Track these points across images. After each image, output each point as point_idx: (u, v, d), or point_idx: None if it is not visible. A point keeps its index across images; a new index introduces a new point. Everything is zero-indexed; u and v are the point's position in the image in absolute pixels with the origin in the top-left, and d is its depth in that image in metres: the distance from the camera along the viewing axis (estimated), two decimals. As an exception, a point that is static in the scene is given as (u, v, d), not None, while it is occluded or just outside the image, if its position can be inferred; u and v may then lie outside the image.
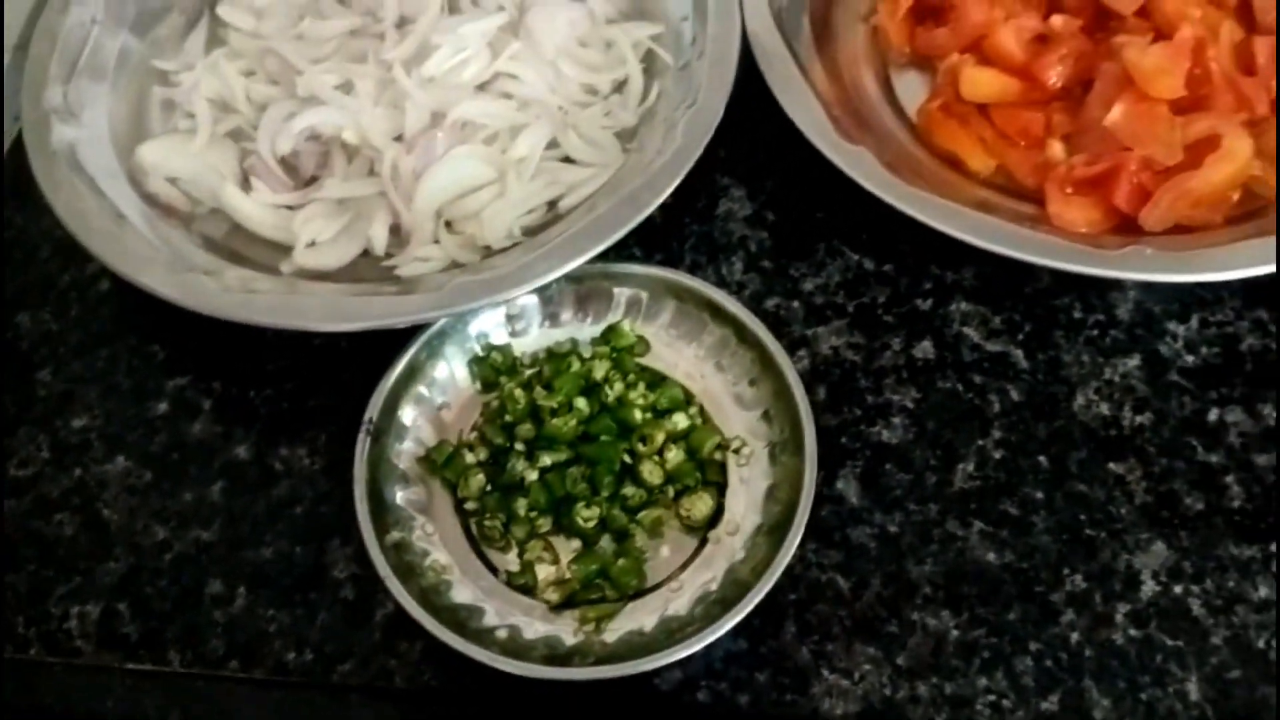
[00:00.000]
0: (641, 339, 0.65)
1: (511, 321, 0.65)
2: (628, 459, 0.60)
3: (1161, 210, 0.65)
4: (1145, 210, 0.65)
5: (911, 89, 0.75)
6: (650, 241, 0.69)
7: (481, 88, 0.70)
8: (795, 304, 0.67)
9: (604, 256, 0.62)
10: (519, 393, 0.62)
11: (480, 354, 0.64)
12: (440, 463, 0.61)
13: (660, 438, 0.60)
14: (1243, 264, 0.61)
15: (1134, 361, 0.64)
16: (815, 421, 0.58)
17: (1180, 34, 0.68)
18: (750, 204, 0.71)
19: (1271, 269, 0.60)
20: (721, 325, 0.63)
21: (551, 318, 0.65)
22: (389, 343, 0.61)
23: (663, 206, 0.63)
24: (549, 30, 0.71)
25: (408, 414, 0.62)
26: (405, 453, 0.61)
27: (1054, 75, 0.70)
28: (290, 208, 0.69)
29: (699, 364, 0.64)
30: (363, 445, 0.58)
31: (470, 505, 0.60)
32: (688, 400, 0.63)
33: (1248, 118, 0.67)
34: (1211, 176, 0.65)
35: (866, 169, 0.64)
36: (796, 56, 0.70)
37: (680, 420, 0.61)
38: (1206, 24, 0.70)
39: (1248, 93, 0.67)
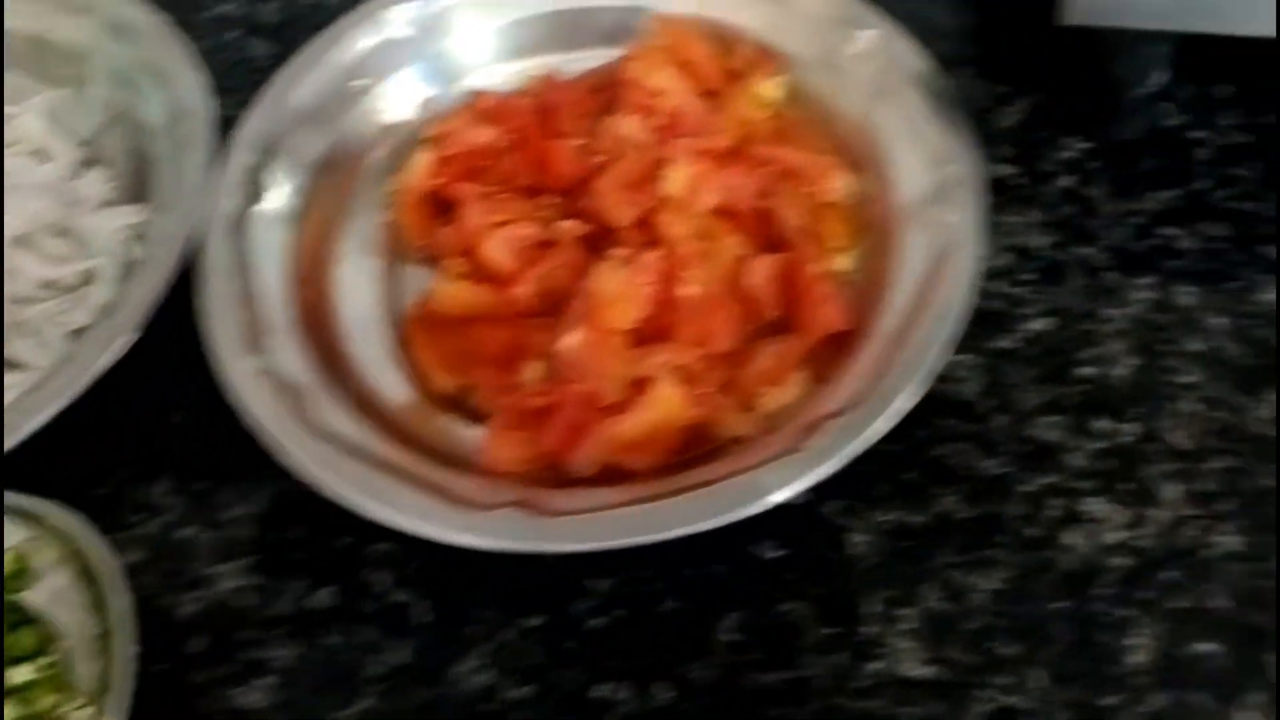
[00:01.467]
0: (24, 571, 0.60)
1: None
2: (-58, 722, 0.56)
3: (586, 454, 0.60)
4: (574, 453, 0.61)
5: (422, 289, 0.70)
6: (85, 444, 0.64)
7: (-80, 283, 0.66)
8: (207, 535, 0.63)
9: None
10: None
11: None
12: None
13: (-16, 698, 0.56)
14: (609, 535, 0.56)
15: (537, 620, 0.59)
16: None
17: (644, 256, 0.64)
18: (197, 414, 0.66)
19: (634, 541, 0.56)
20: (84, 573, 0.58)
21: (-72, 546, 0.61)
22: None
23: (110, 400, 0.60)
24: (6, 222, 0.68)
25: None
26: None
27: (526, 291, 0.66)
28: None
29: (67, 599, 0.59)
30: None
31: None
32: (48, 648, 0.58)
33: (704, 353, 0.63)
34: (636, 422, 0.60)
35: (261, 404, 0.60)
36: (246, 265, 0.66)
37: (23, 673, 0.57)
38: (705, 237, 0.66)
39: (712, 325, 0.63)
